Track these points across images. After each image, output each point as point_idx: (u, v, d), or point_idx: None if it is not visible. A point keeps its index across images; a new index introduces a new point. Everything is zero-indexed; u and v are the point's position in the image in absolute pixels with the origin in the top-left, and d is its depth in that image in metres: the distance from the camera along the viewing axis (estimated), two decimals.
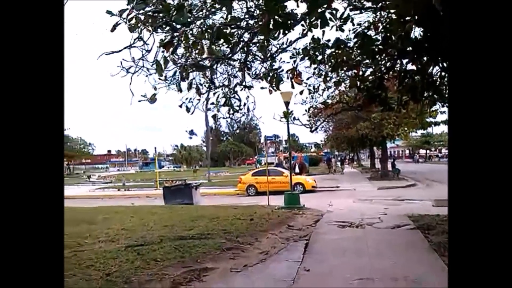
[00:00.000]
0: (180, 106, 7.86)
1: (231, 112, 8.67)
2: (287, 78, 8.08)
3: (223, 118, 8.98)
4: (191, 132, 71.88)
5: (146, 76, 5.94)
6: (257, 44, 7.27)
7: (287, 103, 12.89)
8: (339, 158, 65.33)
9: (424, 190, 19.03)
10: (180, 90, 7.42)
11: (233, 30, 6.66)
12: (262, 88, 8.63)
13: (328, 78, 8.75)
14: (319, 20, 5.29)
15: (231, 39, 6.70)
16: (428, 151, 69.92)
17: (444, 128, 69.04)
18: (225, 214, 10.62)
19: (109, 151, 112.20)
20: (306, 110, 9.39)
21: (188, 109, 8.13)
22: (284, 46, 7.61)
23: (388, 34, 7.30)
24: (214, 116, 8.60)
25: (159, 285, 4.78)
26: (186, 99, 7.56)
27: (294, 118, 10.02)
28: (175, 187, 15.35)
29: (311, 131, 9.28)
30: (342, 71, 7.78)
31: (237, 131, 76.14)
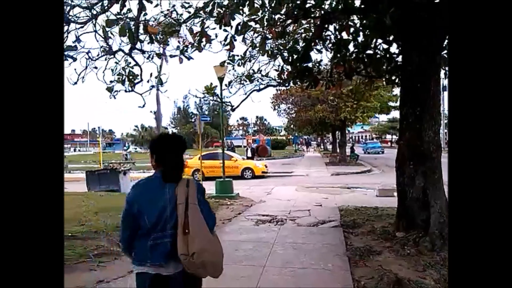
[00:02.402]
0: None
1: (129, 84, 7.17)
2: (194, 43, 6.64)
3: (125, 91, 7.41)
4: (155, 113, 69.14)
5: None
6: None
7: (220, 79, 11.43)
8: (305, 142, 65.01)
9: (377, 176, 18.20)
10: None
11: None
12: (171, 56, 7.15)
13: (251, 45, 7.34)
14: None
15: None
16: (394, 136, 70.34)
17: None
18: None
19: (73, 130, 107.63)
20: (225, 85, 7.87)
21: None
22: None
23: None
24: (109, 89, 7.03)
25: None
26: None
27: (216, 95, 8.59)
28: (100, 171, 13.65)
29: (232, 110, 7.86)
30: (255, 33, 6.36)
31: (208, 113, 74.02)
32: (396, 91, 23.45)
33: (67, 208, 8.43)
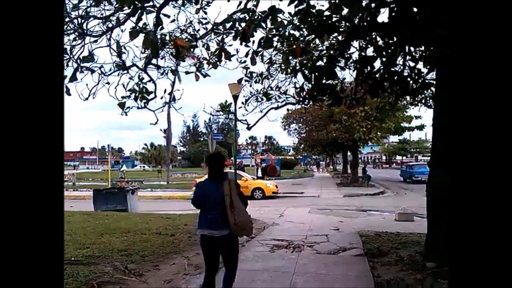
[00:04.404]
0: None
1: (142, 100, 6.90)
2: (212, 60, 6.39)
3: (137, 108, 7.14)
4: (166, 131, 69.17)
5: None
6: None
7: (235, 97, 11.18)
8: (315, 162, 64.41)
9: (392, 199, 17.62)
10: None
11: None
12: (187, 73, 6.89)
13: (269, 62, 7.07)
14: None
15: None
16: (403, 158, 69.41)
17: (420, 135, 69.24)
18: (148, 226, 8.81)
19: (82, 148, 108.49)
20: (242, 103, 7.54)
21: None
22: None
23: (341, 6, 5.62)
24: (121, 105, 6.77)
25: None
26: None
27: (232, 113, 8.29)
28: (108, 190, 13.32)
29: (248, 128, 7.52)
30: (275, 50, 6.07)
31: (217, 132, 73.90)
32: (412, 111, 23.06)
33: (70, 229, 8.12)
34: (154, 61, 6.29)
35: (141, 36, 5.10)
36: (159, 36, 5.57)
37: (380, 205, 14.43)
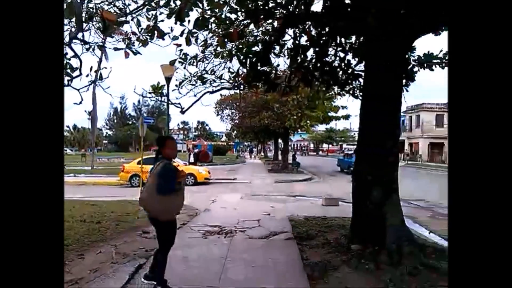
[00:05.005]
0: None
1: (65, 77, 6.32)
2: (143, 37, 6.03)
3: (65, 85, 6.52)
4: (91, 113, 64.89)
5: None
6: None
7: (168, 79, 10.78)
8: (248, 149, 65.17)
9: (319, 184, 18.49)
10: None
11: None
12: (115, 49, 6.42)
13: (204, 44, 6.85)
14: None
15: None
16: (329, 146, 73.19)
17: (345, 124, 73.24)
18: (71, 214, 8.20)
19: None
20: (176, 86, 7.26)
21: None
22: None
23: None
24: None
25: None
26: None
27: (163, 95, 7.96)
28: None
29: (181, 112, 7.27)
30: (210, 32, 5.92)
31: (147, 116, 70.93)
32: (338, 102, 24.24)
33: None
34: (80, 35, 5.78)
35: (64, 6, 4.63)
36: (84, 8, 5.10)
37: (309, 191, 15.04)
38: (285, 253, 5.50)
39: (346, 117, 28.01)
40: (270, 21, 6.44)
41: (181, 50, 6.69)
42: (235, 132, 40.37)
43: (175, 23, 5.28)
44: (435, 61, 6.88)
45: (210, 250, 5.68)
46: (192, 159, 22.57)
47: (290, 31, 6.41)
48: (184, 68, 7.16)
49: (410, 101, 49.74)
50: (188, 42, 5.35)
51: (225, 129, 49.32)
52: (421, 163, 38.83)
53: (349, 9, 5.40)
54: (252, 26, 6.54)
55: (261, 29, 6.71)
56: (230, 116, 31.49)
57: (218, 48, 6.40)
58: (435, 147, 44.13)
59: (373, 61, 5.34)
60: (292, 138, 52.12)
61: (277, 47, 6.77)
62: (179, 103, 7.49)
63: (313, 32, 6.34)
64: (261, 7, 5.47)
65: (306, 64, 6.55)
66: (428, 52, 6.81)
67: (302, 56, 6.50)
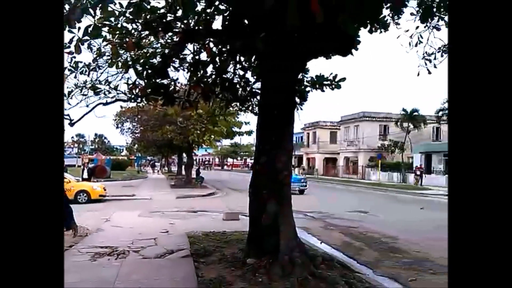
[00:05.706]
0: None
1: None
2: None
3: None
4: None
5: None
6: None
7: None
8: (149, 163, 62.69)
9: (222, 199, 18.57)
10: None
11: None
12: None
13: (98, 53, 6.43)
14: None
15: None
16: (234, 160, 74.48)
17: (250, 139, 75.44)
18: None
19: None
20: (65, 95, 6.63)
21: None
22: None
23: (177, 7, 5.53)
24: None
25: None
26: None
27: None
28: None
29: (70, 125, 6.66)
30: (104, 41, 5.60)
31: None
32: (242, 118, 24.82)
33: None
34: None
35: None
36: None
37: (212, 206, 14.97)
38: (180, 272, 5.34)
39: (249, 132, 28.83)
40: (170, 34, 6.35)
41: (73, 58, 6.19)
42: (136, 146, 38.52)
43: (64, 30, 4.88)
44: (325, 82, 7.46)
45: (97, 274, 5.24)
46: (86, 175, 20.81)
47: (190, 46, 6.40)
48: (75, 77, 6.62)
49: (307, 119, 53.04)
50: (78, 50, 4.97)
51: (126, 143, 46.67)
52: (317, 177, 41.68)
53: (246, 30, 5.60)
54: (152, 38, 6.37)
55: (161, 41, 6.56)
56: (131, 129, 30.05)
57: (113, 58, 6.06)
58: (329, 162, 47.97)
59: (267, 80, 5.59)
60: (197, 153, 51.76)
61: (177, 61, 6.69)
62: (68, 115, 6.87)
63: (213, 48, 6.43)
64: (158, 19, 5.36)
65: (205, 79, 6.58)
66: (320, 74, 7.37)
67: (201, 71, 6.53)
